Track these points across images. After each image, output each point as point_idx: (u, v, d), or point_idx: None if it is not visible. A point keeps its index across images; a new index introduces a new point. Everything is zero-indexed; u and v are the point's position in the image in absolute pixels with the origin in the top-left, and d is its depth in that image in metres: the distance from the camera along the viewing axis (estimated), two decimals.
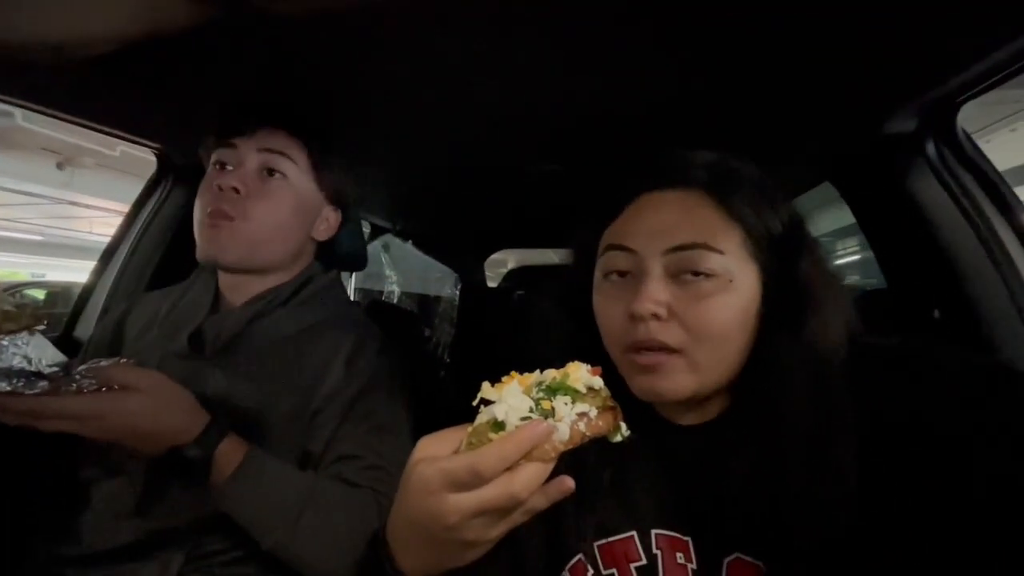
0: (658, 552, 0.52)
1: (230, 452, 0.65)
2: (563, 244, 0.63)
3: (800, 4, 0.59)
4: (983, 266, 0.81)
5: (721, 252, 0.49)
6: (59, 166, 6.64)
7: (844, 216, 1.08)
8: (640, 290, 0.50)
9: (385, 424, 0.76)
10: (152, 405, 0.61)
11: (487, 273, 3.49)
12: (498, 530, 0.41)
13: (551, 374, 0.43)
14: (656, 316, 0.49)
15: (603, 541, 0.55)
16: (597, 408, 0.42)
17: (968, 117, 0.83)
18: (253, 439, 0.70)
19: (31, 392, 0.56)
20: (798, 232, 0.53)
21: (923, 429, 0.44)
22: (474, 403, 0.42)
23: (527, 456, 0.38)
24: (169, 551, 0.70)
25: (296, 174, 0.82)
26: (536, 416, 0.40)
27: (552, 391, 0.42)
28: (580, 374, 0.43)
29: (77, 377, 0.59)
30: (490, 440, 0.39)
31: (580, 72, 0.77)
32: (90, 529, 0.74)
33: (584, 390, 0.42)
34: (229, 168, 0.80)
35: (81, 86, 0.82)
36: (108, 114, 0.95)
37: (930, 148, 0.87)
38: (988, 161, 0.84)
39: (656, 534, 0.53)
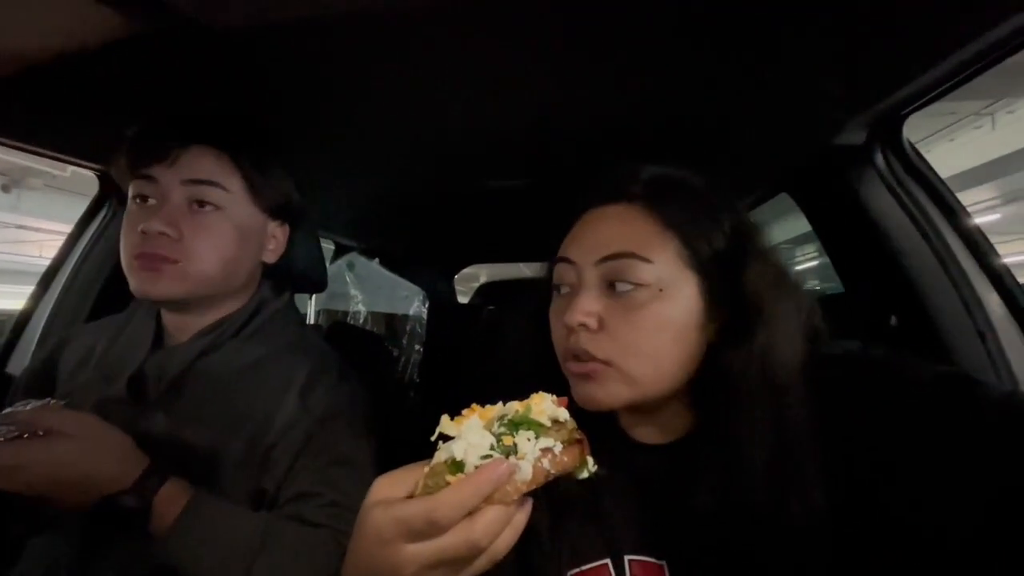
0: None
1: (172, 498, 0.60)
2: (530, 258, 0.63)
3: (753, 27, 0.60)
4: (933, 269, 0.84)
5: (650, 261, 0.50)
6: (4, 188, 6.36)
7: (804, 223, 1.11)
8: (573, 302, 0.52)
9: (346, 457, 0.71)
10: (81, 451, 0.56)
11: (459, 288, 3.46)
12: None
13: (514, 407, 0.41)
14: (585, 326, 0.50)
15: (577, 569, 0.54)
16: (563, 442, 0.40)
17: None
18: (203, 484, 0.64)
19: None
20: (745, 242, 0.53)
21: (885, 440, 0.44)
22: (433, 438, 0.39)
23: (488, 499, 0.36)
24: None
25: (231, 202, 0.73)
26: (497, 454, 0.37)
27: (515, 425, 0.39)
28: (544, 406, 0.41)
29: None
30: (448, 483, 0.36)
31: (542, 90, 0.77)
32: None
33: (549, 423, 0.40)
34: (152, 203, 0.70)
35: (12, 107, 0.77)
36: (43, 136, 0.90)
37: (879, 159, 0.90)
38: (932, 169, 0.87)
39: (630, 560, 0.53)
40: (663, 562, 0.51)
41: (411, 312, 1.77)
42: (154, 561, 0.60)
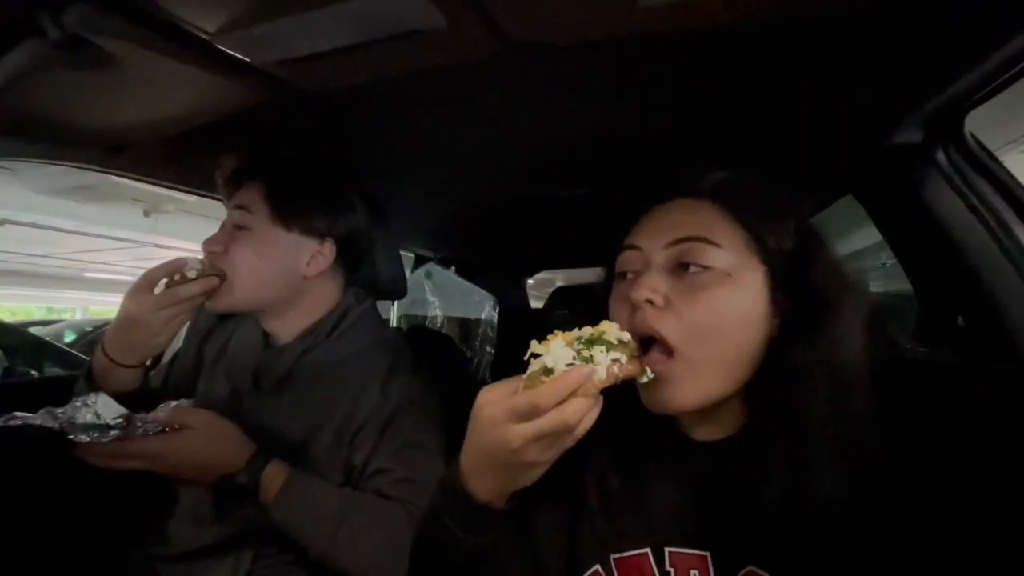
0: (671, 570, 0.54)
1: (274, 476, 0.76)
2: (595, 264, 0.67)
3: (806, 34, 0.61)
4: (1002, 269, 0.80)
5: (719, 246, 0.52)
6: (146, 213, 7.34)
7: None
8: (639, 279, 0.54)
9: (416, 441, 0.84)
10: (206, 440, 0.73)
11: (536, 293, 3.52)
12: (553, 452, 0.48)
13: (588, 330, 0.51)
14: (651, 302, 0.52)
15: (619, 555, 0.56)
16: (627, 356, 0.50)
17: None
18: (303, 460, 0.80)
19: (106, 440, 0.69)
20: (811, 244, 0.54)
21: (953, 447, 0.45)
22: (525, 358, 0.50)
23: (573, 393, 0.46)
24: (241, 552, 0.82)
25: (256, 223, 0.87)
26: (578, 362, 0.48)
27: (590, 342, 0.49)
28: (612, 329, 0.51)
29: (139, 424, 0.72)
30: (542, 383, 0.46)
31: (606, 103, 0.80)
32: (177, 532, 0.87)
33: (616, 342, 0.50)
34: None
35: (170, 158, 0.97)
36: (188, 178, 1.12)
37: (940, 156, 0.86)
38: (1002, 165, 0.83)
39: (669, 552, 0.54)
40: (707, 553, 0.52)
41: (483, 316, 1.89)
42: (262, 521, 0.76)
